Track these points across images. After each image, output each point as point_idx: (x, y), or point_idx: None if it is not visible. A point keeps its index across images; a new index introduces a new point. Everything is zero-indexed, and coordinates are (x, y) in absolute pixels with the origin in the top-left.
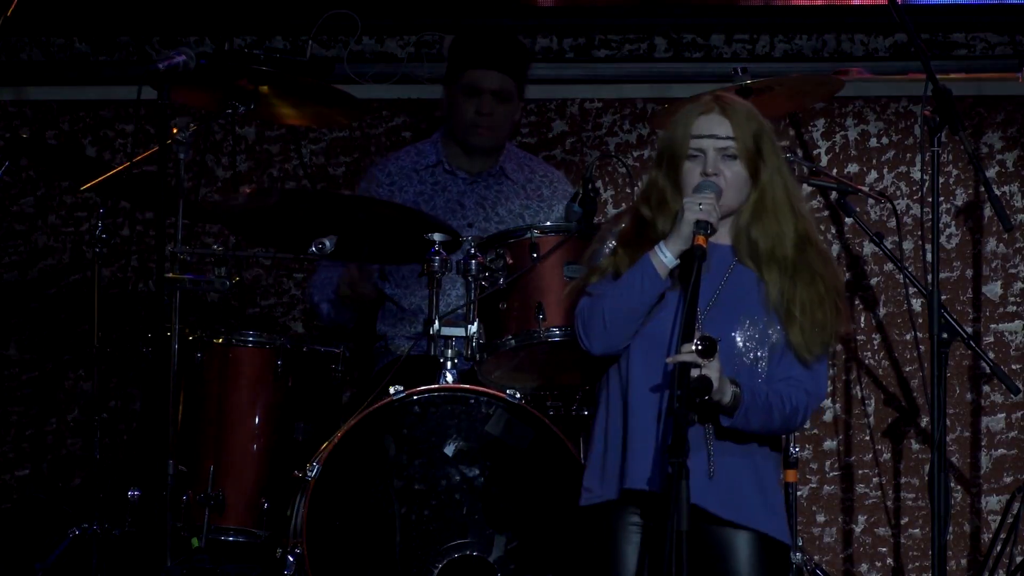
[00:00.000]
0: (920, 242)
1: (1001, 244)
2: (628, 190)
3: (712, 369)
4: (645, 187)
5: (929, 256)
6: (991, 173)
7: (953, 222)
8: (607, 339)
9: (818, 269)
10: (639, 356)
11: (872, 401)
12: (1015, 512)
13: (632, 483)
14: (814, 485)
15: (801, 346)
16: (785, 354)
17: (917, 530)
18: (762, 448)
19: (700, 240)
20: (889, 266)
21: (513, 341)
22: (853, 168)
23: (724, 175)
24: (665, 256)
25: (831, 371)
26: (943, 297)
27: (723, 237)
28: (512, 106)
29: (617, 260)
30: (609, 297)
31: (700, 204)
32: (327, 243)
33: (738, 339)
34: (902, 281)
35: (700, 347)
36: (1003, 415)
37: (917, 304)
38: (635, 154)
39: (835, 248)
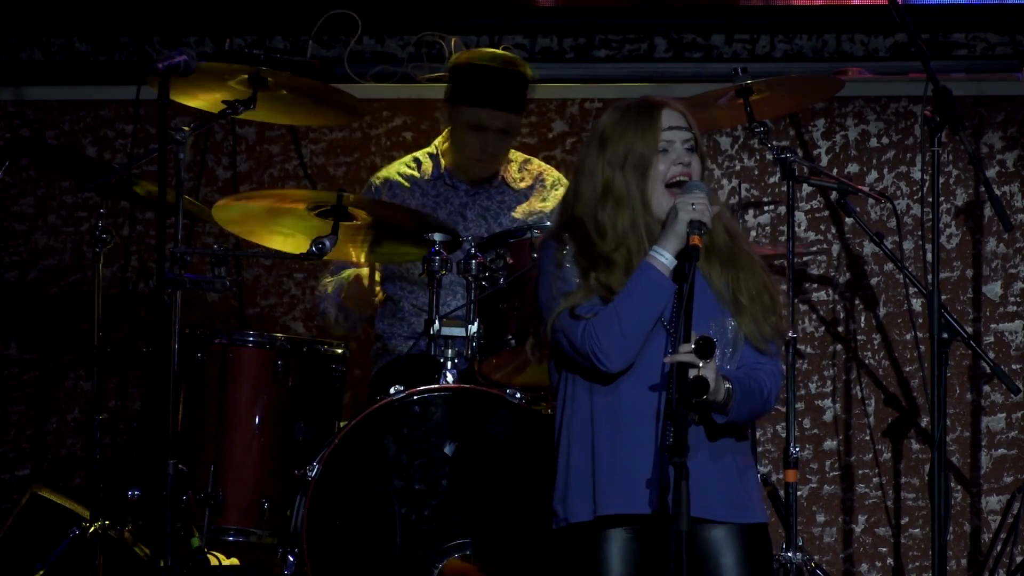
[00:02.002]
0: (920, 242)
1: (1001, 244)
2: None
3: (709, 369)
4: (599, 193)
5: (929, 256)
6: (991, 173)
7: (953, 222)
8: (625, 351)
9: (752, 255)
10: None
11: (872, 401)
12: (1015, 512)
13: (623, 507)
14: (814, 485)
15: (755, 335)
16: (744, 344)
17: (917, 530)
18: (729, 439)
19: (695, 240)
20: (889, 266)
21: (513, 341)
22: (853, 168)
23: (693, 167)
24: (665, 257)
25: (831, 371)
26: (943, 297)
27: None
28: (512, 137)
29: (597, 279)
30: (619, 309)
31: (693, 204)
32: (327, 243)
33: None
34: (902, 281)
35: (697, 347)
36: (1003, 415)
37: (917, 304)
38: None
39: (835, 248)
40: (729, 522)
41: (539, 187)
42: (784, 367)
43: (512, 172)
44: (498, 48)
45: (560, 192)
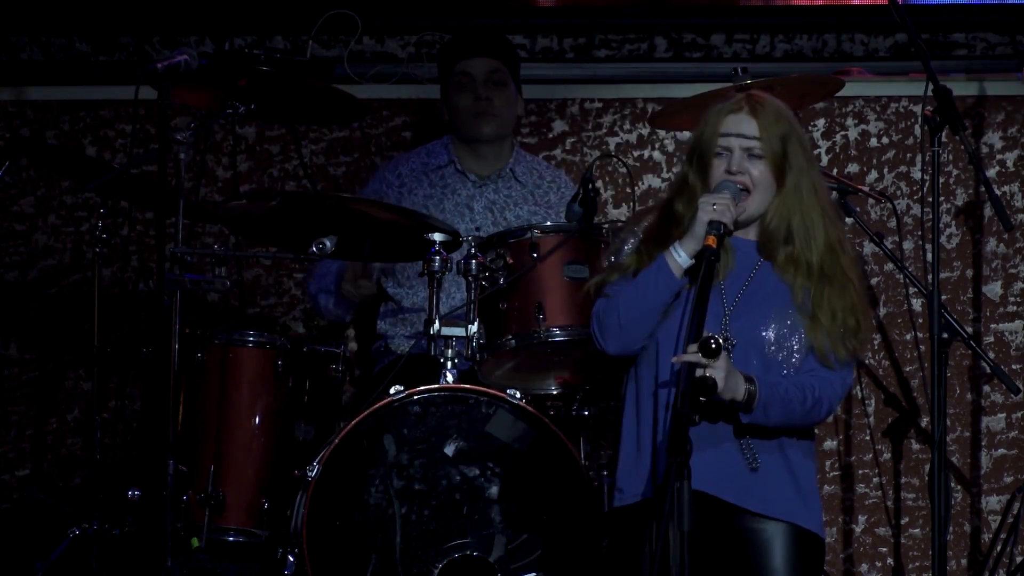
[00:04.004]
0: (920, 242)
1: (1001, 244)
2: (628, 190)
3: (718, 368)
4: (677, 183)
5: (929, 256)
6: (991, 173)
7: (953, 222)
8: (622, 339)
9: (851, 276)
10: (666, 355)
11: (872, 401)
12: (1015, 512)
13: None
14: None
15: (825, 350)
16: (810, 353)
17: (917, 530)
18: (790, 439)
19: (710, 241)
20: (889, 266)
21: (513, 341)
22: (853, 168)
23: (750, 174)
24: (680, 256)
25: None
26: (943, 297)
27: (750, 234)
28: (509, 92)
29: (640, 258)
30: (624, 297)
31: (714, 204)
32: (327, 243)
33: (767, 334)
34: (902, 281)
35: (703, 347)
36: (1003, 415)
37: (917, 304)
38: (635, 154)
39: None
40: (773, 517)
41: (546, 185)
42: (852, 377)
43: (520, 166)
44: None
45: (565, 193)
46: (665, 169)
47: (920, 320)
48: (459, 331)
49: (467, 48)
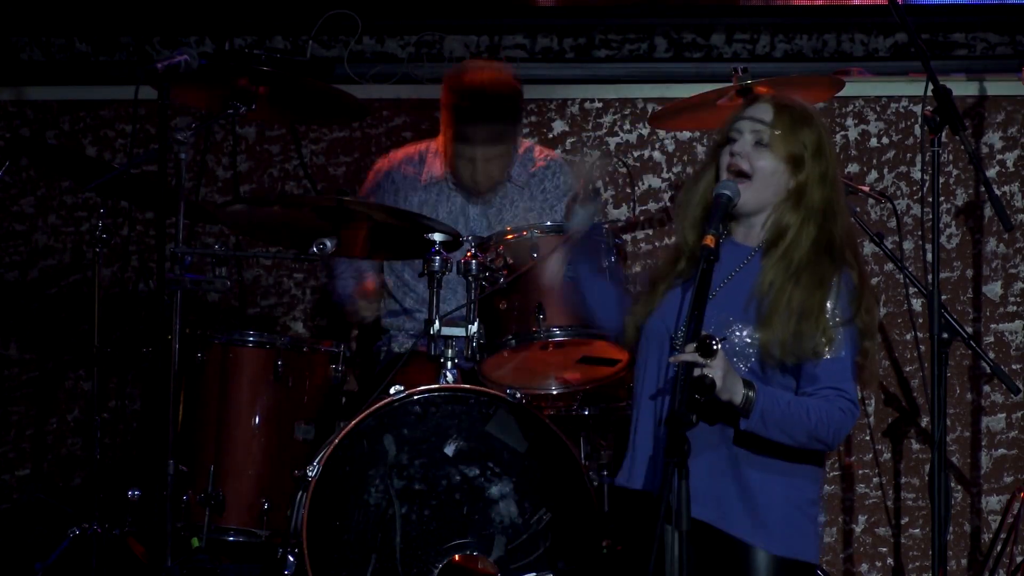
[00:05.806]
0: (920, 242)
1: (1001, 244)
2: (628, 190)
3: (716, 368)
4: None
5: (929, 256)
6: (991, 173)
7: (953, 222)
8: None
9: (829, 280)
10: (643, 352)
11: (872, 401)
12: (1015, 512)
13: (633, 483)
14: None
15: (768, 345)
16: (804, 364)
17: (917, 530)
18: (792, 464)
19: (709, 240)
20: (889, 266)
21: (513, 341)
22: (853, 168)
23: (751, 160)
24: None
25: None
26: (943, 297)
27: (744, 238)
28: (508, 148)
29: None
30: None
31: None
32: (327, 243)
33: (731, 340)
34: (902, 281)
35: (700, 347)
36: (1003, 415)
37: (917, 304)
38: (635, 154)
39: None
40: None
41: (541, 172)
42: (857, 397)
43: (515, 168)
44: (498, 47)
45: (563, 181)
46: (665, 169)
47: (920, 320)
48: (459, 331)
49: (475, 136)
